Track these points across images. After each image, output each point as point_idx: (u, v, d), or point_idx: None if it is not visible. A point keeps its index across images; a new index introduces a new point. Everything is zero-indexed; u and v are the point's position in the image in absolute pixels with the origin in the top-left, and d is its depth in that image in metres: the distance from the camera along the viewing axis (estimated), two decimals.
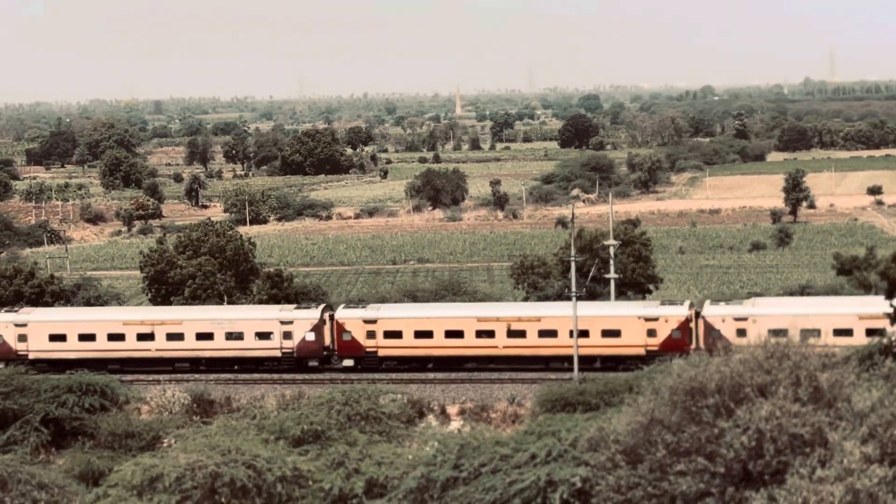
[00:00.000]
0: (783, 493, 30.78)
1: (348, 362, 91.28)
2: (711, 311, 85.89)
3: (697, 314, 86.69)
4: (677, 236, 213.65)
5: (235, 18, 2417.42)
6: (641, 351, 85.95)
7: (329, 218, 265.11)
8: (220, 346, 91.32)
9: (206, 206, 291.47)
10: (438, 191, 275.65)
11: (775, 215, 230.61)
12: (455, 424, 77.09)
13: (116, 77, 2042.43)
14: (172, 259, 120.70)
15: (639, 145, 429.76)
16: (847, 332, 79.51)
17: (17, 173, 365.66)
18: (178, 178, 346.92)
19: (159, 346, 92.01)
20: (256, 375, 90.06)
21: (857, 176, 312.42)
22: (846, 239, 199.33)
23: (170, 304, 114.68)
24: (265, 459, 44.06)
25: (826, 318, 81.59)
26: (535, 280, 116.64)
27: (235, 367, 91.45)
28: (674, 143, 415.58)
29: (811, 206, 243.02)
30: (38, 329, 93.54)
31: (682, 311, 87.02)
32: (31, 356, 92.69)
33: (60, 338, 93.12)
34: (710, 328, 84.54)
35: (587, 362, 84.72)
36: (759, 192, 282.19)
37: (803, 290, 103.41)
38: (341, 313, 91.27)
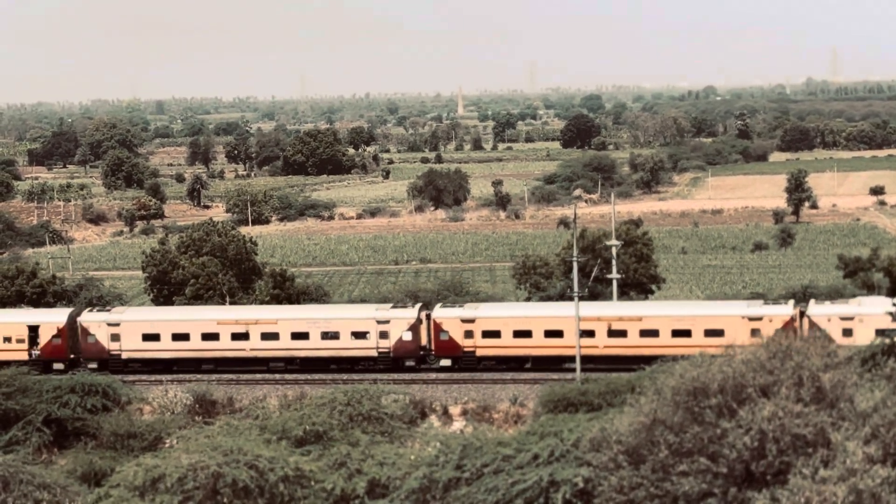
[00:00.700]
0: (786, 494, 30.74)
1: (445, 362, 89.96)
2: (817, 311, 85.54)
3: (802, 313, 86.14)
4: (679, 236, 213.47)
5: (237, 19, 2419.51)
6: None
7: (331, 218, 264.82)
8: (315, 346, 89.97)
9: (208, 207, 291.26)
10: (440, 191, 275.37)
11: (778, 215, 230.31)
12: (457, 425, 77.21)
13: (118, 77, 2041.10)
14: (175, 259, 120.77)
15: (641, 145, 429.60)
16: None
17: (19, 173, 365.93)
18: (180, 179, 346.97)
19: (254, 346, 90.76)
20: (258, 376, 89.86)
21: (859, 176, 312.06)
22: (848, 239, 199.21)
23: (172, 304, 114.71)
24: (267, 460, 44.05)
25: None
26: (537, 280, 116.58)
27: (332, 367, 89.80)
28: (676, 144, 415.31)
29: (813, 206, 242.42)
30: (131, 328, 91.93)
31: (786, 311, 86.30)
32: (125, 356, 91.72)
33: (154, 337, 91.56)
34: (815, 328, 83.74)
35: None
36: (762, 192, 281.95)
37: (805, 291, 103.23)
38: (438, 312, 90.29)
